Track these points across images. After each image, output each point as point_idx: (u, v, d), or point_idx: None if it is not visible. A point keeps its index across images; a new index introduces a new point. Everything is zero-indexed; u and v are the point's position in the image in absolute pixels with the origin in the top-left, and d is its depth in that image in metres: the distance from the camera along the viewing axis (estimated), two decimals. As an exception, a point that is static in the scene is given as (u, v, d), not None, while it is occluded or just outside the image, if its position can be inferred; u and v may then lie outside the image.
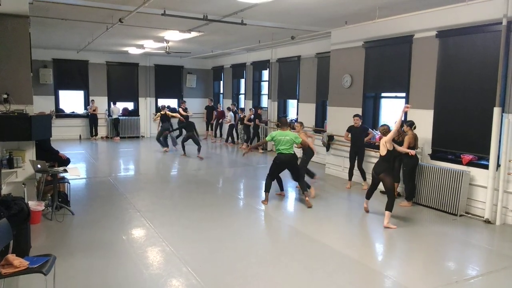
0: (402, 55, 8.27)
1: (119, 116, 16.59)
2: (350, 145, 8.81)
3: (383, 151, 6.44)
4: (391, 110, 9.31)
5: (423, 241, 5.96)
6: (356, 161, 8.75)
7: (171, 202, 7.63)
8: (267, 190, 7.50)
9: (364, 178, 8.76)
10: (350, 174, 8.91)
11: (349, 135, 8.77)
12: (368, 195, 7.00)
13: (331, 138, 10.03)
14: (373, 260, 5.22)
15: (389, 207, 6.29)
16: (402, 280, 4.56)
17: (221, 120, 16.04)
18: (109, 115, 16.54)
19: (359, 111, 9.22)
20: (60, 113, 16.18)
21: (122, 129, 16.78)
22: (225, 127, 15.79)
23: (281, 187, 8.06)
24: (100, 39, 11.60)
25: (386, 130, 6.54)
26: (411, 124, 7.43)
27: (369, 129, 8.81)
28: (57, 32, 11.22)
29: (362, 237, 6.19)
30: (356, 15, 8.04)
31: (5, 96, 6.08)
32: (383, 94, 9.39)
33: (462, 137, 7.19)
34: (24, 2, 6.37)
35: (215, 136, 16.56)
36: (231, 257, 5.13)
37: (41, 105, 13.09)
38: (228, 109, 15.66)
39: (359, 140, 8.59)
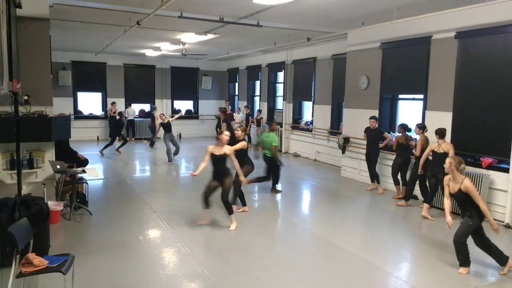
0: (420, 56, 8.15)
1: (134, 117, 16.76)
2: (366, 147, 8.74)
3: None
4: (409, 112, 9.17)
5: (442, 245, 5.85)
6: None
7: (187, 204, 7.66)
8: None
9: (378, 181, 8.66)
10: (370, 176, 8.78)
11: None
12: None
13: (346, 140, 9.95)
14: (390, 265, 5.14)
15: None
16: (418, 285, 4.49)
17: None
18: (125, 116, 16.68)
19: (375, 113, 9.11)
20: (78, 115, 16.44)
21: (139, 131, 16.97)
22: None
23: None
24: (118, 41, 11.76)
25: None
26: (423, 127, 7.32)
27: (385, 133, 8.66)
28: (76, 34, 11.42)
29: (378, 241, 6.10)
30: (373, 16, 7.97)
31: (26, 97, 6.19)
32: (400, 96, 9.28)
33: (482, 140, 7.05)
34: (44, 6, 6.50)
35: None
36: (246, 258, 5.14)
37: (60, 106, 13.32)
38: (239, 110, 15.73)
39: (372, 142, 8.50)
